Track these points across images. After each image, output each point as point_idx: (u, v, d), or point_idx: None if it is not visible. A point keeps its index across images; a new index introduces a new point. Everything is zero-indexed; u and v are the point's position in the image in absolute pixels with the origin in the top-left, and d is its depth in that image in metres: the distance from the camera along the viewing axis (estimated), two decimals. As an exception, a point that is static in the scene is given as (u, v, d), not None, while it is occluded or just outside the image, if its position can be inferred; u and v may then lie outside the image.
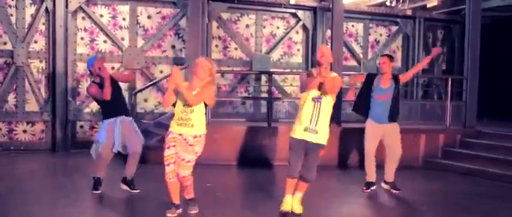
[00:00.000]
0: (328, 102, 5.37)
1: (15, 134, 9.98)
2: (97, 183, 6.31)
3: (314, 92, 5.35)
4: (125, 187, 6.38)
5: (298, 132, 5.40)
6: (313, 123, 5.34)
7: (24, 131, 10.01)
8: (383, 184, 6.82)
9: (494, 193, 7.05)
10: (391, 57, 6.81)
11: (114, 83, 6.29)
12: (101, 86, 6.16)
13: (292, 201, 5.51)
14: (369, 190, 6.73)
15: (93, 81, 6.33)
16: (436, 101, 12.38)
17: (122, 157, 7.85)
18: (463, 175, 8.16)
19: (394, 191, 6.70)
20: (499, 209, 6.19)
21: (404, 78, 6.84)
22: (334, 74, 5.44)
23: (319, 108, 5.34)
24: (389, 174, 6.77)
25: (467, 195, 6.91)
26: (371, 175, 6.75)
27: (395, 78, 6.69)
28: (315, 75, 5.38)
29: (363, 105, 6.77)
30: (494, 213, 6.02)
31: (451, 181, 7.86)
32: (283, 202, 5.54)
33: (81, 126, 10.31)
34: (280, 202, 5.54)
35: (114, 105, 6.26)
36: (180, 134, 5.18)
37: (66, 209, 5.67)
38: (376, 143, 6.69)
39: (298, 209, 5.50)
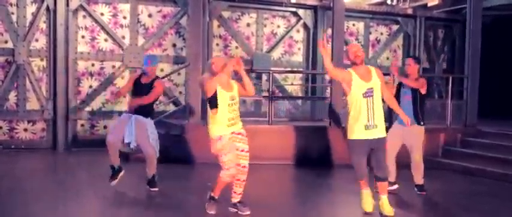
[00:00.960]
0: (379, 94, 5.27)
1: (16, 133, 9.99)
2: (113, 171, 6.36)
3: (362, 87, 5.20)
4: (148, 187, 6.46)
5: (359, 133, 5.25)
6: (371, 119, 5.22)
7: (25, 130, 10.02)
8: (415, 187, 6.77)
9: (495, 193, 7.05)
10: (415, 60, 6.68)
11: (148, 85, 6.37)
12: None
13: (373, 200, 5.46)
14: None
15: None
16: (436, 99, 12.38)
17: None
18: (464, 175, 8.16)
19: (419, 192, 6.66)
20: (499, 208, 6.19)
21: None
22: (372, 69, 5.33)
23: (373, 102, 5.21)
24: (415, 178, 6.72)
25: (467, 194, 6.92)
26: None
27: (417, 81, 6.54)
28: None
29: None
30: (494, 212, 6.01)
31: (451, 181, 7.86)
32: (363, 200, 5.46)
33: (82, 125, 10.32)
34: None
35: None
36: (232, 132, 5.24)
37: (67, 207, 5.67)
38: (395, 143, 6.50)
39: (389, 211, 5.41)
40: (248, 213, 5.37)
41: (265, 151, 8.70)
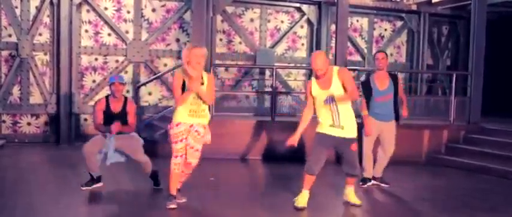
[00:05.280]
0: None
1: (20, 127, 10.02)
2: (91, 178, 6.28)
3: (321, 96, 5.32)
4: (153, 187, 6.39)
5: (325, 128, 5.40)
6: (336, 120, 5.34)
7: (29, 124, 10.05)
8: (373, 180, 6.84)
9: (498, 190, 7.04)
10: (386, 54, 6.83)
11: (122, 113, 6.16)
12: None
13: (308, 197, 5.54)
14: (366, 186, 6.76)
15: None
16: (440, 96, 12.34)
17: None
18: (467, 172, 8.14)
19: (383, 185, 6.76)
20: (502, 205, 6.18)
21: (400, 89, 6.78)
22: (334, 73, 5.33)
23: (336, 106, 5.32)
24: (379, 170, 6.82)
25: (470, 192, 6.91)
26: (369, 171, 6.80)
27: (394, 77, 6.66)
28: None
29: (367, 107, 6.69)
30: (497, 209, 6.00)
31: (455, 178, 7.85)
32: (299, 197, 5.53)
33: (85, 119, 10.34)
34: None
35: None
36: (191, 125, 5.26)
37: (70, 201, 5.70)
38: (374, 140, 6.71)
39: (355, 200, 5.70)
40: (184, 200, 5.51)
41: (269, 147, 8.73)
